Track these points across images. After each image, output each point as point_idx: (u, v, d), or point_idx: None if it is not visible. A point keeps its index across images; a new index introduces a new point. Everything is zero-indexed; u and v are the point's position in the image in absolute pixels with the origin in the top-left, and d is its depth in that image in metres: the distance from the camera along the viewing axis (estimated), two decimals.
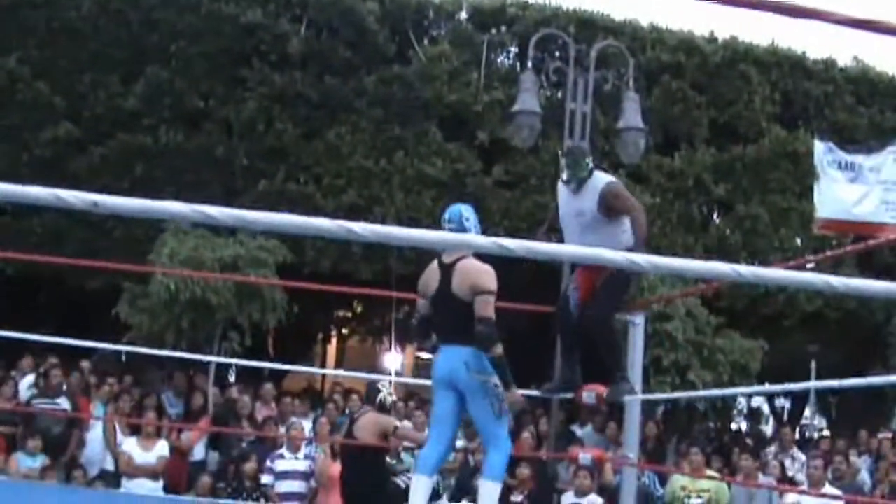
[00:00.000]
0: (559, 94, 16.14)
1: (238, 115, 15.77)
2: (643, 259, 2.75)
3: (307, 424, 12.50)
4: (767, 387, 15.39)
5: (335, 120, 16.01)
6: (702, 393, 13.72)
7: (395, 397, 9.95)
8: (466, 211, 6.80)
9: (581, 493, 10.83)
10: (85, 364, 13.79)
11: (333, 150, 15.89)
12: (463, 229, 6.58)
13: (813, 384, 9.39)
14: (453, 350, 6.48)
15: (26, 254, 12.50)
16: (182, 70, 15.84)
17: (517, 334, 13.68)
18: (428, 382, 8.45)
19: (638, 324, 7.70)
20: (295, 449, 11.50)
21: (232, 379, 16.98)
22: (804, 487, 11.28)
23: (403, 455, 8.51)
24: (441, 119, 16.32)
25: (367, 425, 9.29)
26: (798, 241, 17.15)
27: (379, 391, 9.49)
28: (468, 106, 16.23)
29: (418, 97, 16.13)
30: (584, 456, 8.57)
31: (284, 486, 11.29)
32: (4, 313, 16.00)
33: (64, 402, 12.10)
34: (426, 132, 16.14)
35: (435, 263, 6.75)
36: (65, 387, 12.48)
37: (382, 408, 9.47)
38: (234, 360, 13.35)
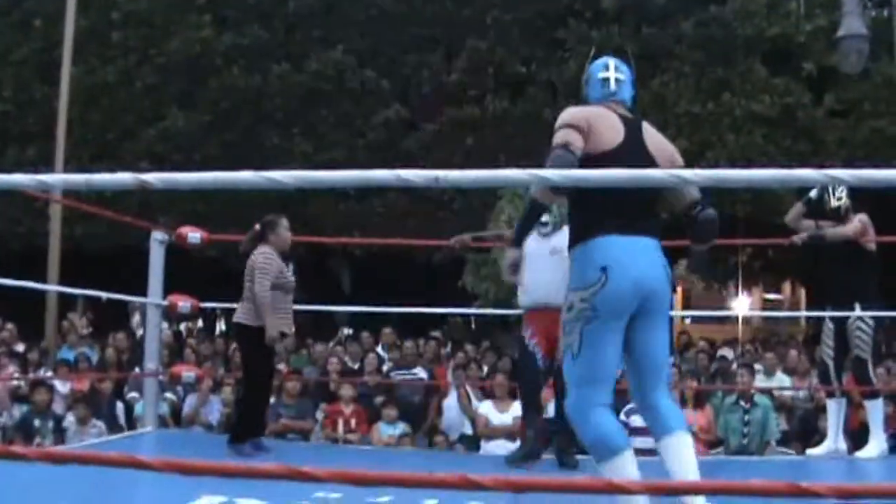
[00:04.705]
0: (885, 13, 15.52)
1: (560, 76, 15.88)
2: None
3: None
4: None
5: (657, 68, 15.91)
6: None
7: None
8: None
9: None
10: (437, 334, 14.30)
11: (659, 99, 15.77)
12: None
13: None
14: (647, 243, 4.18)
15: (371, 233, 13.05)
16: (501, 38, 16.09)
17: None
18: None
19: None
20: None
21: None
22: None
23: None
24: (764, 54, 15.95)
25: None
26: None
27: None
28: (790, 37, 15.78)
29: (738, 35, 15.79)
30: None
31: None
32: (358, 291, 16.80)
33: (420, 372, 12.57)
34: (750, 69, 15.80)
35: (605, 110, 4.35)
36: (420, 357, 12.97)
37: None
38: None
